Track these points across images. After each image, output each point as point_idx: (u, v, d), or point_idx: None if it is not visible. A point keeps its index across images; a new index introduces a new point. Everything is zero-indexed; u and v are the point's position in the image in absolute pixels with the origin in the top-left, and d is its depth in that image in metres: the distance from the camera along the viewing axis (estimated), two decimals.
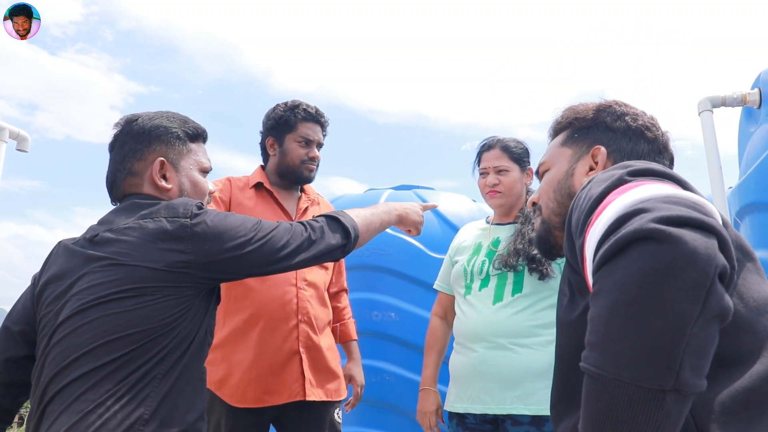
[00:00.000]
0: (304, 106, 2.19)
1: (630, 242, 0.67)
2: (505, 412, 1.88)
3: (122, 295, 1.15)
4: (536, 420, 1.85)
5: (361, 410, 2.71)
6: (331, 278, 2.31)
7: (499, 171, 2.11)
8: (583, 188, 0.87)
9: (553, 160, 1.16)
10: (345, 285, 2.42)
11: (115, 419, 1.07)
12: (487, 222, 2.22)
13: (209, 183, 1.45)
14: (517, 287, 1.96)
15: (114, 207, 1.35)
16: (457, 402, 1.99)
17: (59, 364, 1.14)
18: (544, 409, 1.84)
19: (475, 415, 1.95)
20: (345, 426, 2.71)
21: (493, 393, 1.89)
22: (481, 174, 2.17)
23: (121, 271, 1.17)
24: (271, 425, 2.09)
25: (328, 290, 2.29)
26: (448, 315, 2.25)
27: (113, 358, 1.12)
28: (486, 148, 2.17)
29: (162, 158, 1.35)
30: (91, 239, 1.24)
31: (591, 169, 1.10)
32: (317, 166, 2.23)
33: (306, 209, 2.22)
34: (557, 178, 1.13)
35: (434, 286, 2.30)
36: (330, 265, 2.25)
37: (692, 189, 0.82)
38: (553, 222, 1.10)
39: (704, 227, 0.66)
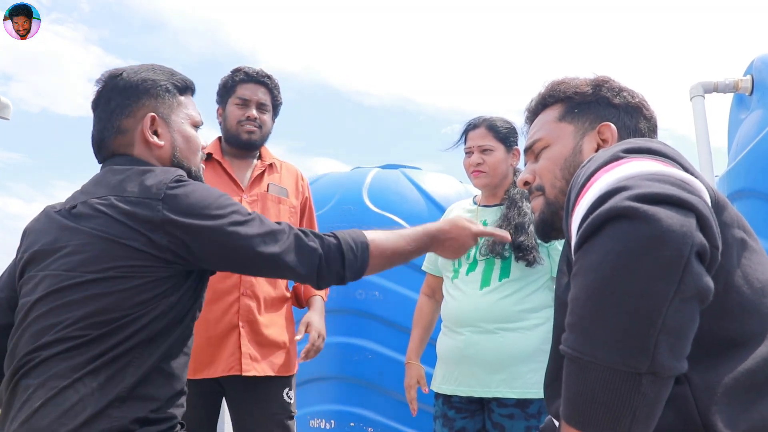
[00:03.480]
0: (245, 69, 2.12)
1: (605, 221, 0.66)
2: (490, 395, 1.90)
3: (99, 276, 1.11)
4: (521, 402, 1.87)
5: (342, 388, 2.71)
6: None
7: (483, 150, 2.07)
8: (583, 166, 0.85)
9: (553, 136, 1.11)
10: None
11: (93, 396, 1.05)
12: (475, 203, 2.20)
13: (200, 138, 1.37)
14: (505, 272, 1.96)
15: (97, 172, 1.29)
16: (444, 383, 2.00)
17: (36, 341, 1.10)
18: (528, 392, 1.86)
19: (461, 396, 1.96)
20: (326, 404, 2.72)
21: (479, 376, 1.91)
22: (466, 153, 2.13)
23: (97, 249, 1.12)
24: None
25: None
26: (436, 294, 2.25)
27: (91, 337, 1.08)
28: (472, 126, 2.13)
29: (152, 113, 1.27)
30: (70, 210, 1.19)
31: (598, 146, 1.06)
32: (260, 127, 2.12)
33: (261, 175, 2.13)
34: (563, 156, 1.08)
35: (422, 268, 2.29)
36: None
37: (689, 167, 0.80)
38: (561, 202, 1.06)
39: (682, 205, 0.65)
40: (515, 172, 2.15)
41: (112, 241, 1.12)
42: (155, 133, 1.27)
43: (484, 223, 2.07)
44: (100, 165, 1.31)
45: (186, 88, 1.36)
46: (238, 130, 2.10)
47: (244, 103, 2.11)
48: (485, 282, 1.96)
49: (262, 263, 1.19)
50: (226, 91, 2.14)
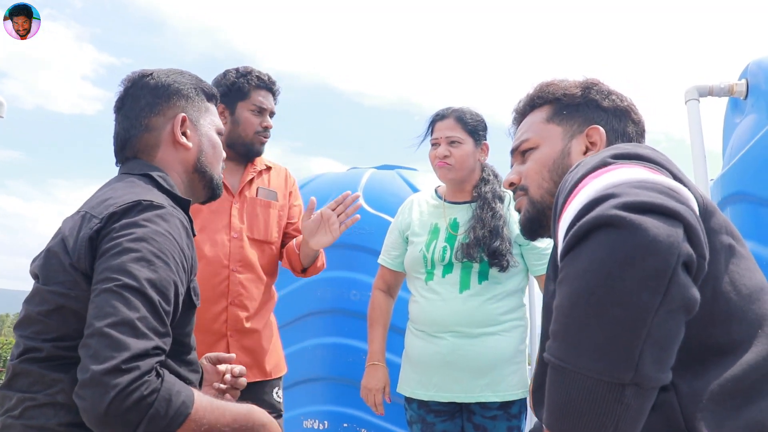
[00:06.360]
0: (257, 73, 2.08)
1: (592, 229, 0.66)
2: (474, 401, 1.87)
3: (51, 292, 1.04)
4: (504, 404, 1.86)
5: (336, 389, 2.70)
6: (286, 240, 2.15)
7: (451, 142, 1.99)
8: (571, 171, 0.85)
9: (541, 137, 1.11)
10: None
11: (67, 411, 1.00)
12: (439, 196, 2.11)
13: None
14: (483, 275, 1.92)
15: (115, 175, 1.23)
16: (420, 389, 1.95)
17: (18, 346, 1.06)
18: (511, 394, 1.85)
19: (438, 401, 1.93)
20: (319, 404, 2.71)
21: (462, 382, 1.88)
22: (432, 145, 2.04)
23: (52, 261, 1.06)
24: None
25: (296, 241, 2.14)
26: (392, 290, 2.19)
27: (59, 350, 1.02)
28: (439, 117, 2.04)
29: (184, 114, 1.26)
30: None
31: (587, 149, 1.07)
32: (269, 137, 2.11)
33: (251, 180, 2.08)
34: (552, 158, 1.08)
35: (379, 261, 2.21)
36: (276, 240, 2.10)
37: (678, 173, 0.79)
38: (548, 202, 1.06)
39: (670, 214, 0.64)
40: (483, 168, 2.07)
41: (59, 257, 1.05)
42: (184, 134, 1.26)
43: (455, 223, 2.00)
44: (117, 166, 1.28)
45: (212, 95, 1.36)
46: (254, 139, 2.06)
47: (260, 112, 2.07)
48: (464, 285, 1.91)
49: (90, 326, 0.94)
50: (239, 93, 2.05)
